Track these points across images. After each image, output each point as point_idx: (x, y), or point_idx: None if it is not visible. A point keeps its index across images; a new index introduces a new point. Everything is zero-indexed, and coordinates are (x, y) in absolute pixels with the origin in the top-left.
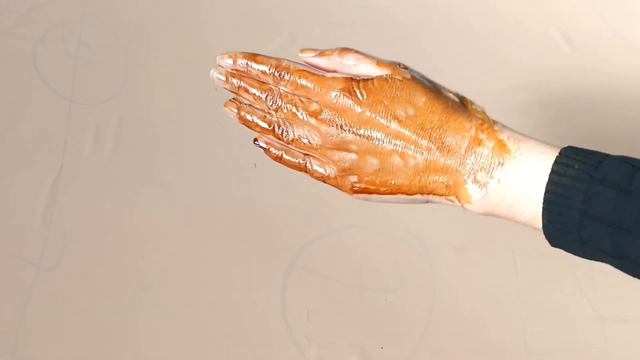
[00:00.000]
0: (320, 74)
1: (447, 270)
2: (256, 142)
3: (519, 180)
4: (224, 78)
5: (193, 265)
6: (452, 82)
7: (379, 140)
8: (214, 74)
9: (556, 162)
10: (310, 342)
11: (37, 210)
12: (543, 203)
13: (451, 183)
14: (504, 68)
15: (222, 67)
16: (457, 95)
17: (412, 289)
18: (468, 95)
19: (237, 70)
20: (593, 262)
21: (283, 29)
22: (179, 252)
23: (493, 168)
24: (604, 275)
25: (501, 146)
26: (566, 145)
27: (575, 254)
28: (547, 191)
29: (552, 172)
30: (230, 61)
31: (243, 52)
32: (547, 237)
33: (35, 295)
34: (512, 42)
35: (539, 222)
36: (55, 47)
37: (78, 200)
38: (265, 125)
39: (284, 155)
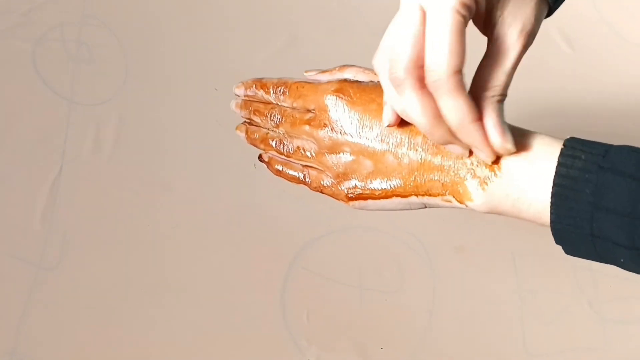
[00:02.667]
0: (316, 82)
1: (447, 271)
2: (260, 159)
3: (523, 174)
4: (239, 109)
5: (193, 265)
6: None
7: (371, 140)
8: (232, 104)
9: (562, 154)
10: (310, 343)
11: (37, 210)
12: (551, 197)
13: (447, 181)
14: None
15: (238, 95)
16: None
17: (412, 289)
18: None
19: (248, 96)
20: (593, 262)
21: (283, 29)
22: (179, 252)
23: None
24: (604, 276)
25: None
26: (568, 137)
27: (581, 251)
28: (555, 184)
29: (559, 164)
30: (242, 90)
31: (252, 78)
32: (554, 233)
33: (35, 296)
34: None
35: (546, 217)
36: (55, 47)
37: (78, 200)
38: (269, 141)
39: (284, 169)
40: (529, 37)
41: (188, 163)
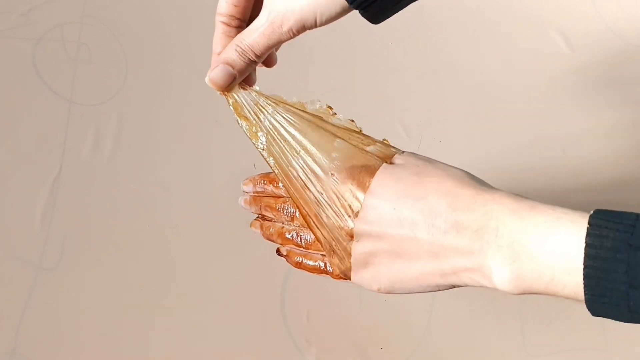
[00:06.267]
0: None
1: None
2: (278, 253)
3: (553, 255)
4: (248, 205)
5: (193, 265)
6: (451, 84)
7: (390, 227)
8: (241, 202)
9: (588, 234)
10: (310, 343)
11: (37, 211)
12: (584, 279)
13: (473, 265)
14: (503, 69)
15: (246, 192)
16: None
17: None
18: (467, 95)
19: (257, 192)
20: None
21: None
22: (179, 252)
23: (520, 243)
24: None
25: (524, 218)
26: (592, 211)
27: (617, 319)
28: (586, 266)
29: (587, 245)
30: (250, 187)
31: (260, 174)
32: (590, 310)
33: (35, 296)
34: (511, 43)
35: (582, 295)
36: (55, 47)
37: (77, 201)
38: (285, 235)
39: (304, 260)
40: (280, 25)
41: (188, 163)
